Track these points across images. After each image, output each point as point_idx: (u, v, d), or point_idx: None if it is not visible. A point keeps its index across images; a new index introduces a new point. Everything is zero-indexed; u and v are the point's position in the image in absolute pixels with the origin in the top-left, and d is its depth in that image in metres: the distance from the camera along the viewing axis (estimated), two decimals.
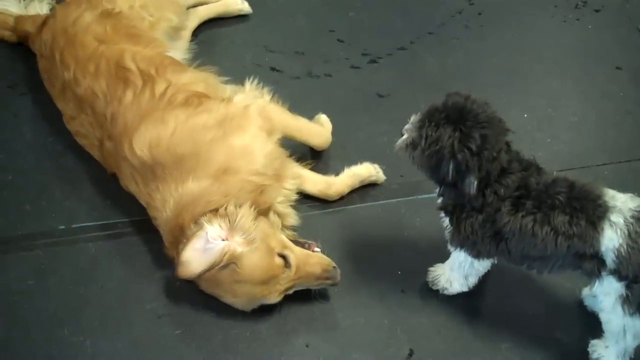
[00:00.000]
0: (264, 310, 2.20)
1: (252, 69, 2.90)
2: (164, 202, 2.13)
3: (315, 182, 2.47)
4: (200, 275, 2.03)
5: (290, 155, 2.43)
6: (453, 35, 3.09)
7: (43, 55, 2.63)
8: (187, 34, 2.92)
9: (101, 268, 2.31)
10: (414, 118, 1.91)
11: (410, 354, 2.13)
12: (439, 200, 2.01)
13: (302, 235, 2.31)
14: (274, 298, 2.12)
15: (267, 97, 2.45)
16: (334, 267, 2.14)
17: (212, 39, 3.02)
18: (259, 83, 2.49)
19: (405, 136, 1.91)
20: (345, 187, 2.48)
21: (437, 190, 1.98)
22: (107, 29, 2.50)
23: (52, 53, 2.53)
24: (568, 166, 2.54)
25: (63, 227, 2.41)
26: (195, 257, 2.00)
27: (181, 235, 2.08)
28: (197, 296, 2.21)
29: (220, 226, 2.02)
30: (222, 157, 2.15)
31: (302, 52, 3.01)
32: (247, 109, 2.29)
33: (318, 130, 2.56)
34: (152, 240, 2.32)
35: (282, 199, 2.29)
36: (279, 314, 2.21)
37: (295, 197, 2.37)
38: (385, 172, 2.53)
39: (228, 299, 2.15)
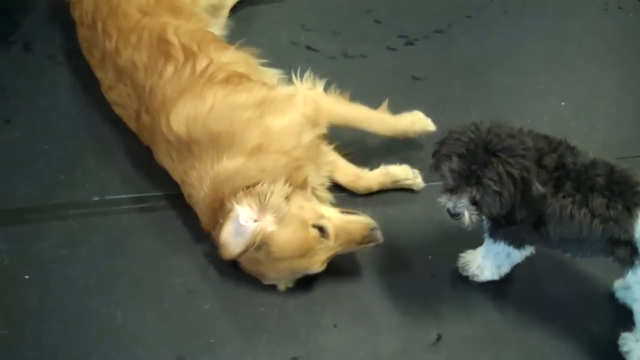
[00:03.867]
0: (293, 290, 2.21)
1: (287, 47, 2.90)
2: (200, 179, 2.14)
3: (345, 173, 2.44)
4: (240, 256, 2.04)
5: (331, 142, 2.43)
6: (492, 20, 3.06)
7: (84, 23, 2.63)
8: (225, 11, 2.91)
9: (133, 240, 2.32)
10: (443, 193, 1.87)
11: (438, 338, 2.13)
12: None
13: None
14: (317, 268, 2.12)
15: (320, 88, 2.41)
16: (374, 229, 2.11)
17: (249, 17, 3.01)
18: (310, 73, 2.45)
19: (466, 214, 1.84)
20: (374, 184, 2.44)
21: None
22: (150, 0, 2.50)
23: (93, 22, 2.54)
24: (604, 156, 2.49)
25: (97, 198, 2.43)
26: (231, 239, 2.00)
27: (221, 209, 2.08)
28: (227, 272, 2.23)
29: (250, 207, 2.02)
30: (257, 137, 2.15)
31: (339, 32, 2.99)
32: (292, 96, 2.29)
33: (379, 118, 2.46)
34: (185, 215, 2.34)
35: (318, 182, 2.29)
36: (309, 293, 2.21)
37: (329, 182, 2.36)
38: (418, 156, 2.51)
39: (272, 276, 2.16)
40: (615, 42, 3.00)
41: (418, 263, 2.28)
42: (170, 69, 2.29)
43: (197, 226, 2.25)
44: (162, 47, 2.34)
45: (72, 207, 2.41)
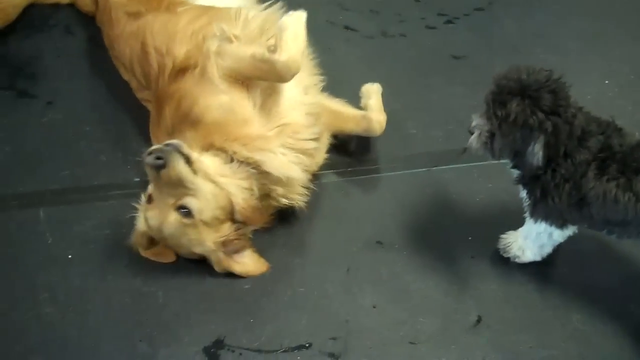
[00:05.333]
0: (332, 270, 2.21)
1: (325, 27, 2.88)
2: None
3: (357, 121, 2.43)
4: None
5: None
6: None
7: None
8: None
9: None
10: (475, 115, 1.88)
11: (479, 320, 2.11)
12: (515, 175, 1.97)
13: (377, 197, 2.33)
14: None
15: None
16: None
17: None
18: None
19: (476, 133, 1.87)
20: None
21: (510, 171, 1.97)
22: None
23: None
24: None
25: (137, 179, 2.44)
26: None
27: None
28: (267, 253, 2.23)
29: None
30: None
31: (377, 11, 2.97)
32: None
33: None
34: None
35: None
36: (347, 273, 2.21)
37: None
38: (456, 136, 2.50)
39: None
40: None
41: (458, 244, 2.26)
42: None
43: None
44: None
45: (113, 188, 2.43)
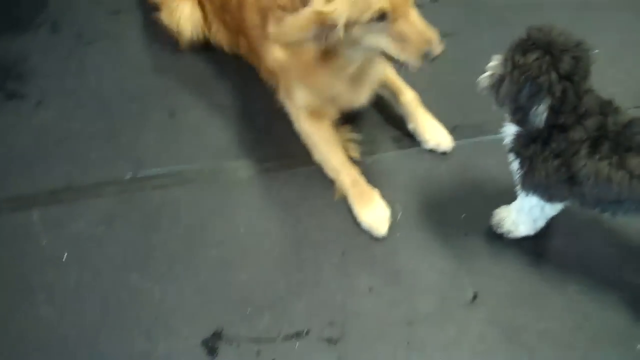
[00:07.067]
0: (326, 255, 2.21)
1: None
2: None
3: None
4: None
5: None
6: None
7: None
8: None
9: (167, 215, 2.34)
10: (496, 56, 1.86)
11: (475, 296, 2.11)
12: (507, 141, 1.96)
13: (369, 179, 2.33)
14: None
15: None
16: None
17: None
18: None
19: (489, 72, 1.86)
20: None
21: (506, 127, 1.94)
22: None
23: None
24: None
25: (130, 174, 2.45)
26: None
27: None
28: (261, 241, 2.24)
29: None
30: None
31: None
32: None
33: None
34: (216, 188, 2.37)
35: None
36: (343, 257, 2.21)
37: None
38: (449, 112, 2.50)
39: None
40: None
41: (451, 222, 2.26)
42: None
43: (229, 199, 2.28)
44: None
45: (106, 185, 2.43)
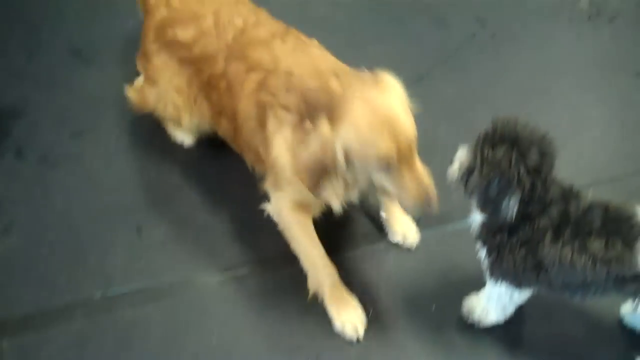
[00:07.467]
0: (302, 355, 2.20)
1: None
2: None
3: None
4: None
5: None
6: (468, 60, 3.09)
7: None
8: None
9: (139, 333, 2.33)
10: (463, 146, 1.91)
11: None
12: (474, 229, 1.99)
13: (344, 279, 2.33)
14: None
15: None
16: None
17: None
18: None
19: (457, 163, 1.89)
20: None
21: (473, 216, 1.97)
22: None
23: None
24: (594, 181, 2.49)
25: (99, 294, 2.44)
26: None
27: None
28: (233, 352, 2.23)
29: None
30: None
31: None
32: None
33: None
34: (187, 301, 2.38)
35: None
36: (316, 357, 2.20)
37: None
38: None
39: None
40: (593, 64, 3.04)
41: (423, 316, 2.27)
42: None
43: (200, 310, 2.29)
44: None
45: (76, 307, 2.41)
